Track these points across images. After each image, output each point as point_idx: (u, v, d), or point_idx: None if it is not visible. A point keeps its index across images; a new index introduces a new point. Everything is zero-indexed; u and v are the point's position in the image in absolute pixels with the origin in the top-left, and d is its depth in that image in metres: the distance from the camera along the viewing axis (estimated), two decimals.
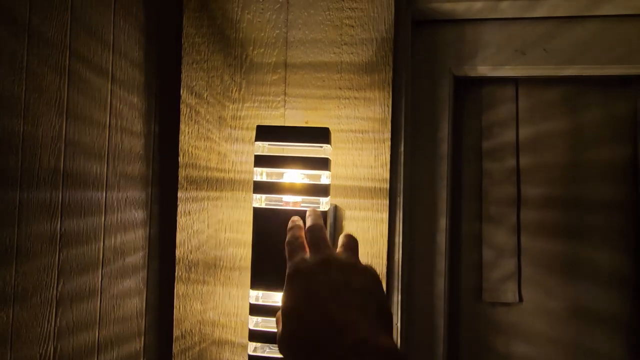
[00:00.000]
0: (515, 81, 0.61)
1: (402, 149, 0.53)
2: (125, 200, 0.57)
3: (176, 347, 0.54)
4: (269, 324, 0.41)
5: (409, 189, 0.58)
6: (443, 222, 0.60)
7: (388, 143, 0.51)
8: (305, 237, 0.34)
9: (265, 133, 0.40)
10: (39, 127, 0.53)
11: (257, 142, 0.40)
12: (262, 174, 0.41)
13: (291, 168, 0.40)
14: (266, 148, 0.40)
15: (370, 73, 0.51)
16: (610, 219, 0.59)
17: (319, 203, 0.41)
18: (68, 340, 0.52)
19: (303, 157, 0.40)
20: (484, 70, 0.60)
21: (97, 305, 0.55)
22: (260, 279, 0.40)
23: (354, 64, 0.52)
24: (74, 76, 0.55)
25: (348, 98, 0.52)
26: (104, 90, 0.56)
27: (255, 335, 0.41)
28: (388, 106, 0.51)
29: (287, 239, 0.33)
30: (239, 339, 0.53)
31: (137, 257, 0.58)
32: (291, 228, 0.34)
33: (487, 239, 0.62)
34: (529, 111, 0.61)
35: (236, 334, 0.53)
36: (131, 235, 0.57)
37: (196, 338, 0.54)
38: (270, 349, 0.41)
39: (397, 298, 0.52)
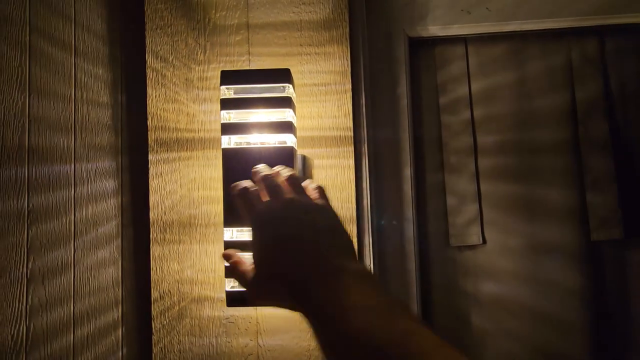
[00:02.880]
0: (464, 40, 0.66)
1: (363, 100, 0.56)
2: (95, 171, 0.57)
3: (155, 309, 0.54)
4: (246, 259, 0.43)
5: (374, 141, 0.61)
6: (408, 172, 0.63)
7: (349, 94, 0.54)
8: (260, 188, 0.33)
9: (229, 77, 0.42)
10: (0, 104, 0.53)
11: (222, 87, 0.42)
12: (229, 117, 0.43)
13: (256, 108, 0.42)
14: (232, 92, 0.42)
15: (328, 29, 0.55)
16: (557, 160, 0.65)
17: (285, 141, 0.43)
18: (41, 318, 0.51)
19: (267, 97, 0.42)
20: (434, 30, 0.65)
21: (71, 279, 0.55)
22: (233, 217, 0.41)
23: (313, 22, 0.55)
24: (35, 52, 0.55)
25: (309, 54, 0.55)
26: (67, 64, 0.57)
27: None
28: (347, 59, 0.54)
29: (236, 192, 0.33)
30: (217, 294, 0.54)
31: (111, 226, 0.58)
32: (236, 185, 0.34)
33: (449, 187, 0.66)
34: (479, 67, 0.66)
35: (215, 289, 0.54)
36: (103, 206, 0.57)
37: (175, 298, 0.54)
38: None
39: (368, 241, 0.55)
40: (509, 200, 0.65)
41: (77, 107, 0.57)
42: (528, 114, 0.65)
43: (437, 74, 0.67)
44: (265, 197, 0.32)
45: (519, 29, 0.64)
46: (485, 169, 0.65)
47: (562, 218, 0.64)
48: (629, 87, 0.65)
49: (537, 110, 0.65)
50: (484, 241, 0.65)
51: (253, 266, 0.30)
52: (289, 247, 0.28)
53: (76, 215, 0.55)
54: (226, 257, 0.35)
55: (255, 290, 0.30)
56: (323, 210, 0.31)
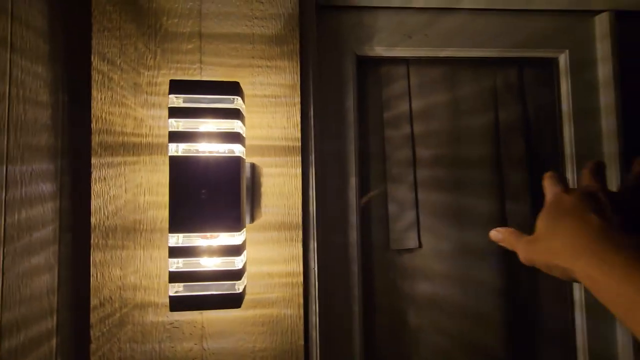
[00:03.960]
0: (406, 62, 0.73)
1: (312, 112, 0.59)
2: (31, 173, 0.55)
3: (94, 317, 0.53)
4: (190, 265, 0.44)
5: (321, 152, 0.64)
6: (353, 181, 0.67)
7: (298, 106, 0.57)
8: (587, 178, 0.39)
9: (178, 87, 0.43)
10: None
11: (170, 95, 0.43)
12: (177, 125, 0.44)
13: (205, 118, 0.43)
14: (181, 100, 0.43)
15: (280, 45, 0.57)
16: (482, 173, 0.73)
17: (233, 150, 0.45)
18: None
19: (216, 108, 0.43)
20: (380, 50, 0.70)
21: None
22: (178, 223, 0.42)
23: (265, 36, 0.57)
24: None
25: (261, 67, 0.57)
26: (1, 60, 0.54)
27: (176, 277, 0.43)
28: (297, 74, 0.57)
29: (548, 176, 0.39)
30: (162, 299, 0.54)
31: (47, 232, 0.55)
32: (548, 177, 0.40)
33: (391, 195, 0.71)
34: (418, 87, 0.73)
35: (159, 295, 0.54)
36: (39, 210, 0.55)
37: (116, 304, 0.53)
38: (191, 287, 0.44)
39: (313, 246, 0.58)
40: (442, 208, 0.72)
41: (11, 105, 0.54)
42: (459, 131, 0.73)
43: (382, 91, 0.72)
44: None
45: (452, 55, 0.71)
46: (422, 180, 0.72)
47: (487, 224, 0.72)
48: (542, 111, 0.75)
49: (467, 128, 0.73)
50: (420, 245, 0.71)
51: (534, 235, 0.36)
52: (580, 222, 0.32)
53: (7, 219, 0.52)
54: (496, 233, 0.41)
55: (537, 253, 0.34)
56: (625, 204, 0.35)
